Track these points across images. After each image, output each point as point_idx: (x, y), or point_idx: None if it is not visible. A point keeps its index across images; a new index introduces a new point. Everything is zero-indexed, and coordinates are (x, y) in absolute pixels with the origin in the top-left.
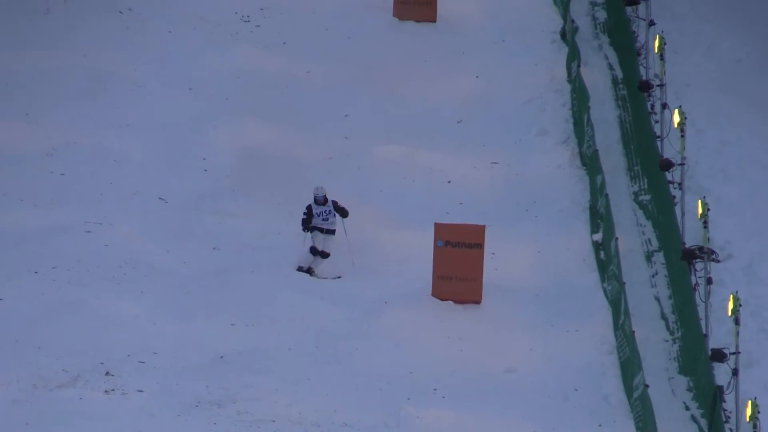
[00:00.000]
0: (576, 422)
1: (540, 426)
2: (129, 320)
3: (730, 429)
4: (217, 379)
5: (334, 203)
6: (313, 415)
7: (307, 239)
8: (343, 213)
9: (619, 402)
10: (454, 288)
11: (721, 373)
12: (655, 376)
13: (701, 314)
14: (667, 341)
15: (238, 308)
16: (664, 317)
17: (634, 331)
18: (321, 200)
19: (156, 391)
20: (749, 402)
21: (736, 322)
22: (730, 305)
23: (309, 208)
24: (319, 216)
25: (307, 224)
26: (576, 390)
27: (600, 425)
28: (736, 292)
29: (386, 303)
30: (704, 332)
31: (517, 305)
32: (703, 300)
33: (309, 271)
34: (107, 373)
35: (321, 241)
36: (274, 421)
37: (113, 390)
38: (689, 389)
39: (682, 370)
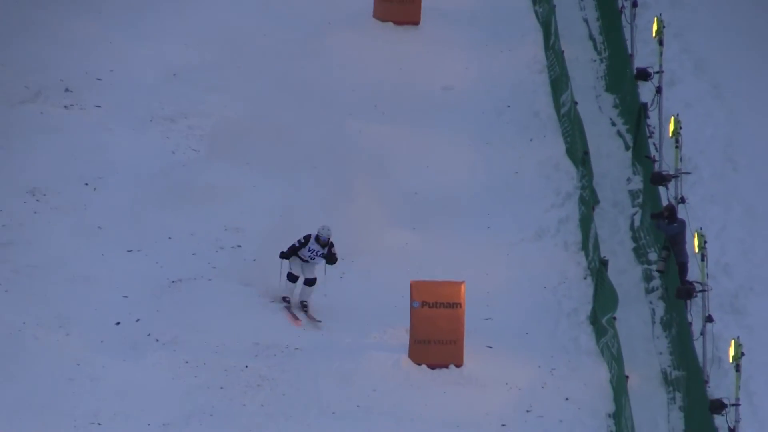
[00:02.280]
0: (508, 137)
1: (475, 140)
2: (87, 39)
3: (654, 144)
4: (170, 96)
5: (330, 247)
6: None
7: (284, 266)
8: (332, 260)
9: (549, 118)
10: (394, 10)
11: (646, 91)
12: (583, 93)
13: (627, 35)
14: (594, 61)
15: (191, 28)
16: (592, 38)
17: (563, 51)
18: (324, 241)
19: (112, 107)
20: (672, 118)
21: (660, 43)
22: (655, 27)
23: (307, 239)
24: (309, 252)
25: (292, 252)
26: (508, 106)
27: (531, 139)
28: (660, 14)
29: (330, 24)
30: (630, 52)
31: (454, 26)
32: (629, 22)
33: (304, 307)
34: (67, 90)
35: (299, 268)
36: None
37: (72, 105)
38: (615, 106)
39: (609, 88)
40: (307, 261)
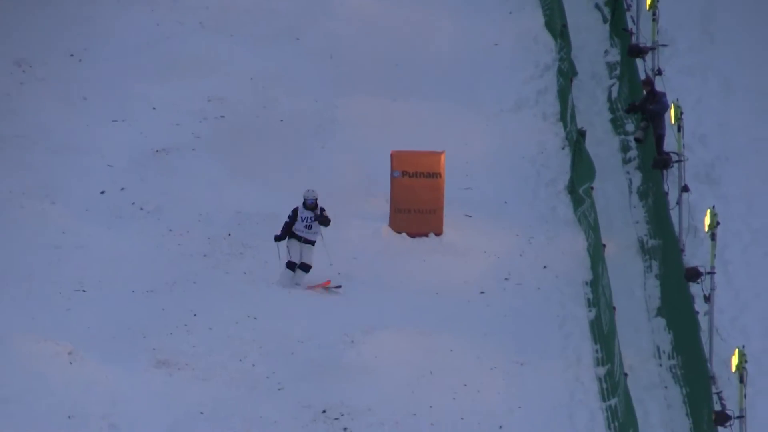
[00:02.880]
0: (488, 9)
1: (455, 13)
2: None
3: (631, 17)
4: None
5: (322, 211)
6: None
7: (282, 248)
8: (325, 221)
9: None
10: None
11: None
12: None
13: None
14: None
15: None
16: None
17: None
18: (311, 204)
19: None
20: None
21: None
22: None
23: (295, 212)
24: (303, 222)
25: (287, 231)
26: None
27: (510, 12)
28: None
29: None
30: None
31: None
32: None
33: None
34: None
35: (297, 252)
36: None
37: None
38: None
39: None
40: (303, 237)
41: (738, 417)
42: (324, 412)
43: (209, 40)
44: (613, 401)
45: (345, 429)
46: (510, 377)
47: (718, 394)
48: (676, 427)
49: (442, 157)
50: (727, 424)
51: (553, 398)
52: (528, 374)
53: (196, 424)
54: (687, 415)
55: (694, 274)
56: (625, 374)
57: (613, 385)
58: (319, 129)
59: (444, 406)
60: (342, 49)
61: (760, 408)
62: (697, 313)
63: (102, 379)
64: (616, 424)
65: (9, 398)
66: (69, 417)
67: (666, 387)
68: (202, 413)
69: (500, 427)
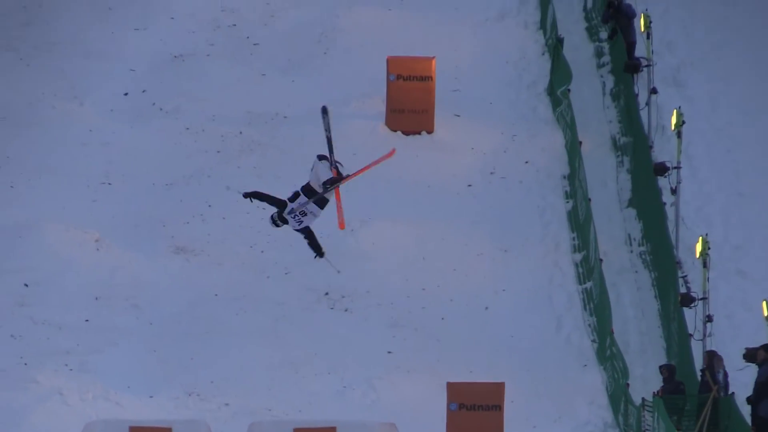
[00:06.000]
0: None
1: None
2: None
3: None
4: None
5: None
6: None
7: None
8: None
9: None
10: None
11: None
12: None
13: None
14: None
15: None
16: None
17: None
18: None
19: None
20: None
21: None
22: None
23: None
24: (292, 213)
25: (258, 196)
26: None
27: None
28: None
29: None
30: None
31: None
32: None
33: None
34: None
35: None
36: None
37: None
38: None
39: None
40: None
41: (701, 299)
42: (327, 294)
43: None
44: (588, 284)
45: (346, 310)
46: (495, 262)
47: (683, 277)
48: (645, 307)
49: (433, 62)
50: (692, 305)
51: (533, 282)
52: (511, 260)
53: (210, 304)
54: (655, 297)
55: (662, 169)
56: (600, 260)
57: (589, 269)
58: (321, 37)
59: (435, 289)
60: None
61: (721, 290)
62: (665, 203)
63: (126, 264)
64: (592, 305)
65: (41, 281)
66: (96, 298)
67: (636, 271)
68: (216, 295)
69: (486, 308)
